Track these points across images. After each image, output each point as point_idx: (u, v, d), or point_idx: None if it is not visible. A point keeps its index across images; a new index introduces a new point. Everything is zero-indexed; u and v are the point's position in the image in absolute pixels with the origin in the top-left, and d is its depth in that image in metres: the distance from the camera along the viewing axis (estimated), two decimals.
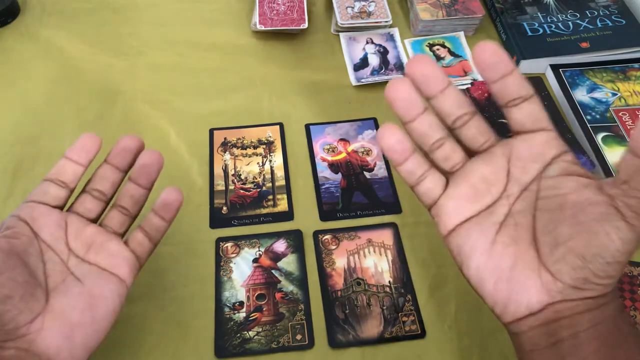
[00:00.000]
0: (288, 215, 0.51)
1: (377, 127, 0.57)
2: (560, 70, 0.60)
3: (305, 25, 0.65)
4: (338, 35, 0.67)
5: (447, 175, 0.35)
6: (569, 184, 0.31)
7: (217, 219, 0.50)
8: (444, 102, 0.33)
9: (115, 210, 0.38)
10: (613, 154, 0.53)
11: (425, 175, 0.34)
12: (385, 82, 0.61)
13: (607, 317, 0.31)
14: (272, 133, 0.57)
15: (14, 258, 0.33)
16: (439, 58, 0.64)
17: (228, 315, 0.44)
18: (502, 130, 0.37)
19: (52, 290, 0.34)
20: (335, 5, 0.67)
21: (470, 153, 0.34)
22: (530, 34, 0.63)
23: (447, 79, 0.33)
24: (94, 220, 0.38)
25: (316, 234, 0.49)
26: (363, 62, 0.64)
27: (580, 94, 0.58)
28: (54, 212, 0.36)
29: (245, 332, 0.43)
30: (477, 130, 0.33)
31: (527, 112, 0.32)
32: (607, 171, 0.52)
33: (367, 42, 0.66)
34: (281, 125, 0.58)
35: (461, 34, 0.66)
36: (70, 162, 0.37)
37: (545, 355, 0.31)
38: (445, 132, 0.34)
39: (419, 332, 0.43)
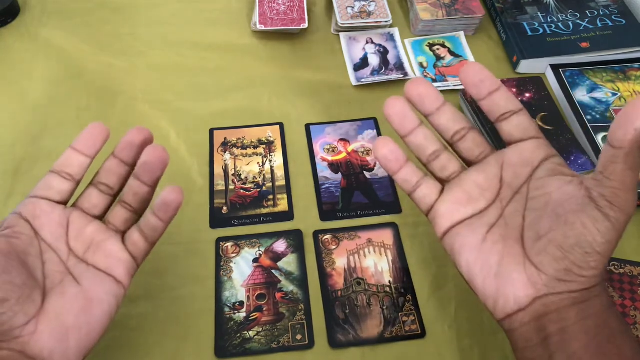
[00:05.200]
0: (288, 215, 0.51)
1: (377, 127, 0.57)
2: (560, 70, 0.60)
3: (305, 25, 0.65)
4: (338, 35, 0.67)
5: (444, 184, 0.37)
6: (554, 183, 0.33)
7: (217, 219, 0.50)
8: (441, 118, 0.37)
9: (119, 206, 0.38)
10: None
11: (420, 182, 0.37)
12: (385, 82, 0.61)
13: (594, 312, 0.31)
14: (272, 133, 0.57)
15: (13, 259, 0.33)
16: (439, 58, 0.64)
17: (228, 315, 0.44)
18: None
19: (49, 291, 0.34)
20: (335, 5, 0.67)
21: (468, 164, 0.37)
22: (530, 33, 0.63)
23: (442, 99, 0.37)
24: (100, 216, 0.38)
25: (316, 233, 0.49)
26: (363, 62, 0.64)
27: (580, 94, 0.58)
28: (57, 210, 0.36)
29: (246, 332, 0.43)
30: (473, 143, 0.37)
31: (516, 124, 0.35)
32: None
33: (367, 42, 0.66)
34: (281, 125, 0.58)
35: (461, 34, 0.66)
36: (76, 153, 0.36)
37: (537, 352, 0.32)
38: (441, 145, 0.37)
39: (419, 332, 0.44)
